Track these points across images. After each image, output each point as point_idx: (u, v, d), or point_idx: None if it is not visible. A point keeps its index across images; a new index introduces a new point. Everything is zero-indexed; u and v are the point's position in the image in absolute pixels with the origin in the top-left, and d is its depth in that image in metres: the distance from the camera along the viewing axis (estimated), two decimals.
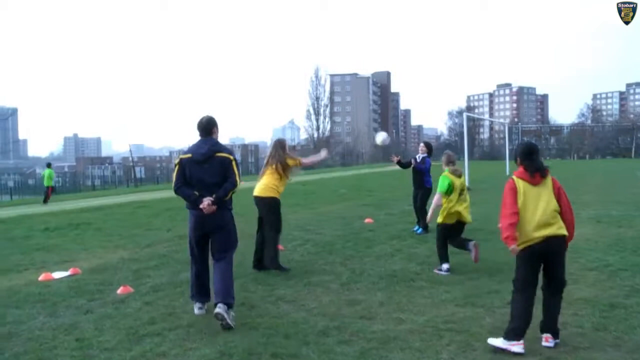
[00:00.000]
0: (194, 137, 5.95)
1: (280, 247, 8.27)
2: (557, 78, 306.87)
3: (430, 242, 9.90)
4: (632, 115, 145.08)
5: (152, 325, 5.51)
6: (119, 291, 6.85)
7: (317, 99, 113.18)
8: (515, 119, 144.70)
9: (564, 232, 4.84)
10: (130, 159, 66.28)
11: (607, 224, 12.04)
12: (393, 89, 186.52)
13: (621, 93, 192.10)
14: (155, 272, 7.99)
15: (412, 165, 11.27)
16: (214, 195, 5.56)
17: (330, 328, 5.32)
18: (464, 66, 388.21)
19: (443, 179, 7.73)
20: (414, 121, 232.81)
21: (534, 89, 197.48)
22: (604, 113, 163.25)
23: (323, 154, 8.92)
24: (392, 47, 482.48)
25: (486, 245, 9.55)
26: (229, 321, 5.29)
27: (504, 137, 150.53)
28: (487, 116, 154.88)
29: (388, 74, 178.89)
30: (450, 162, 8.00)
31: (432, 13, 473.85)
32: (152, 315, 5.82)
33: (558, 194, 4.89)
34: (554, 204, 4.83)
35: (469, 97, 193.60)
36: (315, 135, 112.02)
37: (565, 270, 4.94)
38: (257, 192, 7.95)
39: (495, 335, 4.84)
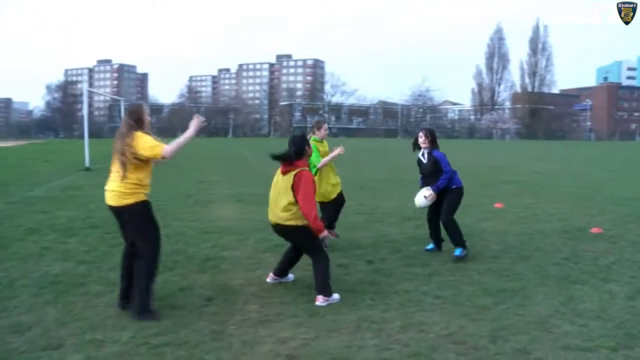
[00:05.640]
0: None
1: None
2: (156, 58, 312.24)
3: (81, 235, 8.58)
4: (225, 98, 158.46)
5: None
6: None
7: None
8: (116, 96, 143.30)
9: None
10: None
11: (248, 203, 12.44)
12: None
13: (214, 77, 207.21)
14: None
15: None
16: None
17: None
18: (61, 38, 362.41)
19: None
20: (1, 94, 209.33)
21: (135, 67, 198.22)
22: (203, 94, 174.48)
23: (192, 128, 5.15)
24: None
25: None
26: None
27: (105, 114, 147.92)
28: (87, 91, 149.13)
29: None
30: None
31: None
32: None
33: None
34: None
35: (67, 70, 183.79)
36: None
37: None
38: (109, 199, 5.10)
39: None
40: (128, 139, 4.95)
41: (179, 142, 5.04)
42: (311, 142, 7.54)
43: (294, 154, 5.60)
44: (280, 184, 5.60)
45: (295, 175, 5.48)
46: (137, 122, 5.06)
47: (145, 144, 4.93)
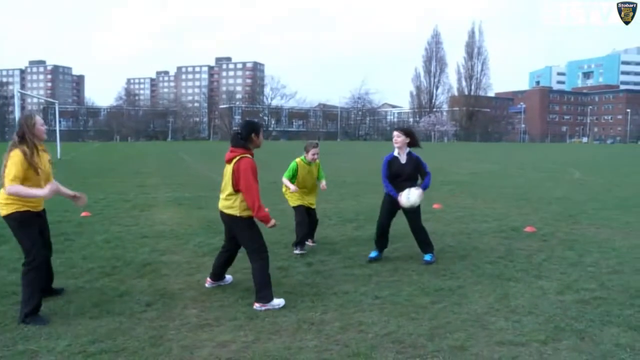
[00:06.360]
0: None
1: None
2: (93, 60, 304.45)
3: (13, 242, 8.25)
4: (164, 101, 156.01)
5: None
6: None
7: None
8: (50, 99, 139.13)
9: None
10: None
11: (188, 207, 12.26)
12: None
13: (152, 79, 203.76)
14: None
15: None
16: None
17: None
18: None
19: None
20: None
21: (70, 68, 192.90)
22: (141, 97, 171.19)
23: (46, 191, 4.89)
24: None
25: None
26: None
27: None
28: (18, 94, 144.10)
29: None
30: None
31: None
32: None
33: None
34: None
35: None
36: None
37: None
38: None
39: None
40: (7, 155, 4.88)
41: (27, 192, 4.83)
42: (298, 160, 7.80)
43: (237, 138, 5.46)
44: (226, 172, 5.54)
45: (235, 163, 5.37)
46: (21, 137, 4.92)
47: (6, 168, 4.80)
